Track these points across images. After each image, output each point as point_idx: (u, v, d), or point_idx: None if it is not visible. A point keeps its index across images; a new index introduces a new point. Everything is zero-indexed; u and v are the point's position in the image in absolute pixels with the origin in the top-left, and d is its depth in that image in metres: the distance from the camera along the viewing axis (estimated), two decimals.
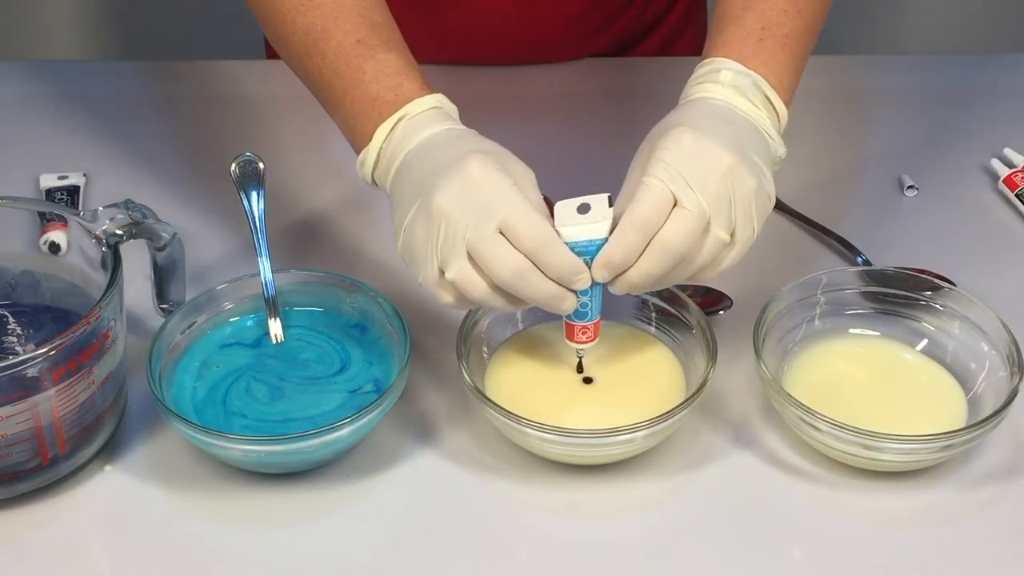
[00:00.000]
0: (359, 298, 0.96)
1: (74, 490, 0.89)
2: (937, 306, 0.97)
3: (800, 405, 0.88)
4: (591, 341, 0.89)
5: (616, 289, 0.85)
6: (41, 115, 1.27)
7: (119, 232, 0.89)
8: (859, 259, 1.07)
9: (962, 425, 0.90)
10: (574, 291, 0.84)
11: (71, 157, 1.20)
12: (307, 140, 1.24)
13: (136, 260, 0.94)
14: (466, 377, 0.89)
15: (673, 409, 0.86)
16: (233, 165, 0.98)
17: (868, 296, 0.99)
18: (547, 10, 1.26)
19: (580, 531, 0.87)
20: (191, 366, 0.93)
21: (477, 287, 0.83)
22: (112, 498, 0.88)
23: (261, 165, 0.98)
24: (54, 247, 0.97)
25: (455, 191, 0.83)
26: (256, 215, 0.97)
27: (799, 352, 0.96)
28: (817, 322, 0.98)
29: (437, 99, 0.90)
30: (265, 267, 0.96)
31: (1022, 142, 1.20)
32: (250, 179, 0.98)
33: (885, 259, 1.08)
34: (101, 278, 0.89)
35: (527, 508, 0.88)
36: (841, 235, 1.10)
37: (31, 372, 0.81)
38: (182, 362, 0.93)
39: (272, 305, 0.96)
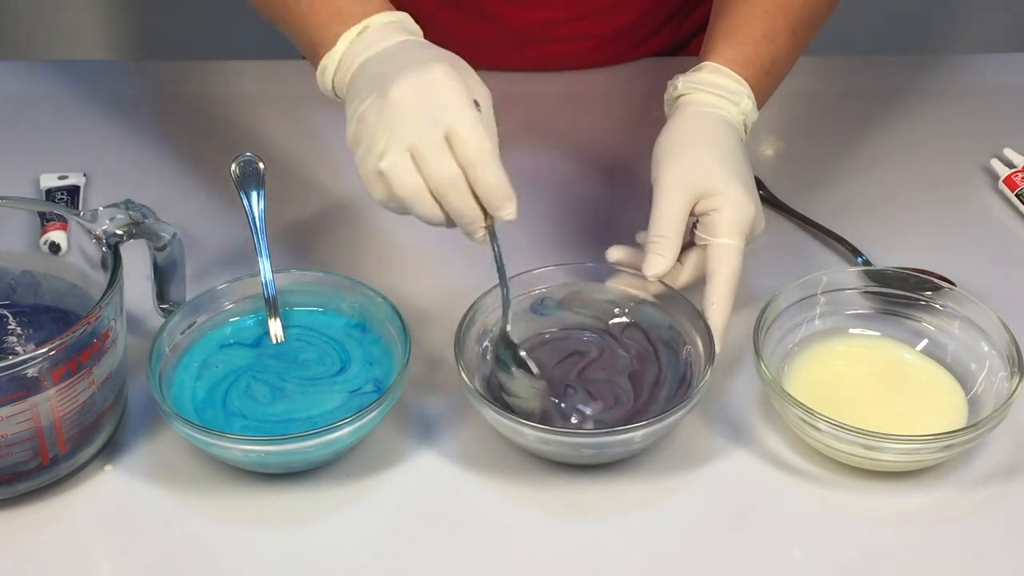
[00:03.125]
0: (359, 298, 0.96)
1: (74, 490, 0.89)
2: (937, 306, 0.97)
3: (800, 405, 0.88)
4: None
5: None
6: (41, 115, 1.27)
7: (119, 232, 0.89)
8: (859, 259, 1.07)
9: (962, 425, 0.90)
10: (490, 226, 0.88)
11: (71, 157, 1.20)
12: (307, 140, 1.24)
13: (136, 260, 0.94)
14: (465, 377, 0.89)
15: (672, 409, 0.86)
16: (233, 165, 0.98)
17: (868, 296, 0.99)
18: (587, 27, 1.27)
19: (580, 531, 0.87)
20: (191, 366, 0.93)
21: (408, 185, 0.86)
22: (112, 498, 0.88)
23: (261, 165, 0.98)
24: (54, 247, 0.97)
25: (413, 87, 0.86)
26: (256, 215, 0.97)
27: (799, 352, 0.96)
28: (817, 322, 0.98)
29: (401, 16, 0.94)
30: (265, 267, 0.96)
31: (1022, 142, 1.20)
32: (250, 179, 0.98)
33: (885, 259, 1.08)
34: (101, 278, 0.89)
35: (527, 508, 0.88)
36: (841, 235, 1.10)
37: (31, 372, 0.81)
38: (182, 362, 0.93)
39: (272, 305, 0.96)
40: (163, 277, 0.96)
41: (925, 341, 0.97)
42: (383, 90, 0.87)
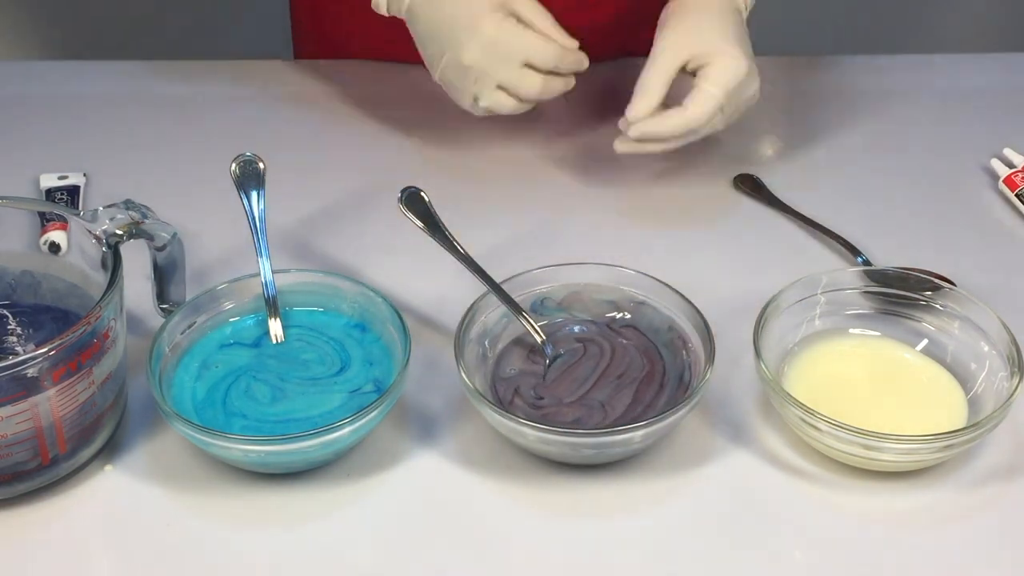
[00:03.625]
0: (359, 298, 0.96)
1: (74, 490, 0.89)
2: (937, 306, 0.97)
3: (800, 405, 0.88)
4: None
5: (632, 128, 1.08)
6: (41, 115, 1.27)
7: (119, 232, 0.89)
8: (859, 259, 1.07)
9: (962, 425, 0.90)
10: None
11: (71, 157, 1.20)
12: (307, 140, 1.24)
13: (136, 260, 0.94)
14: (465, 377, 0.89)
15: (672, 409, 0.86)
16: (233, 165, 0.98)
17: (868, 296, 0.99)
18: (586, 17, 1.27)
19: (580, 531, 0.87)
20: (191, 366, 0.93)
21: (507, 105, 1.10)
22: (112, 498, 0.88)
23: (261, 165, 0.98)
24: (54, 247, 0.97)
25: (478, 50, 1.07)
26: (256, 215, 0.97)
27: (799, 352, 0.96)
28: (817, 322, 0.98)
29: None
30: (265, 267, 0.96)
31: (1022, 142, 1.20)
32: (250, 179, 0.98)
33: (885, 259, 1.08)
34: (101, 278, 0.89)
35: (527, 508, 0.88)
36: (841, 235, 1.10)
37: (31, 372, 0.81)
38: (182, 362, 0.93)
39: (272, 305, 0.96)
40: (163, 277, 0.96)
41: (925, 341, 0.97)
42: (453, 55, 1.08)
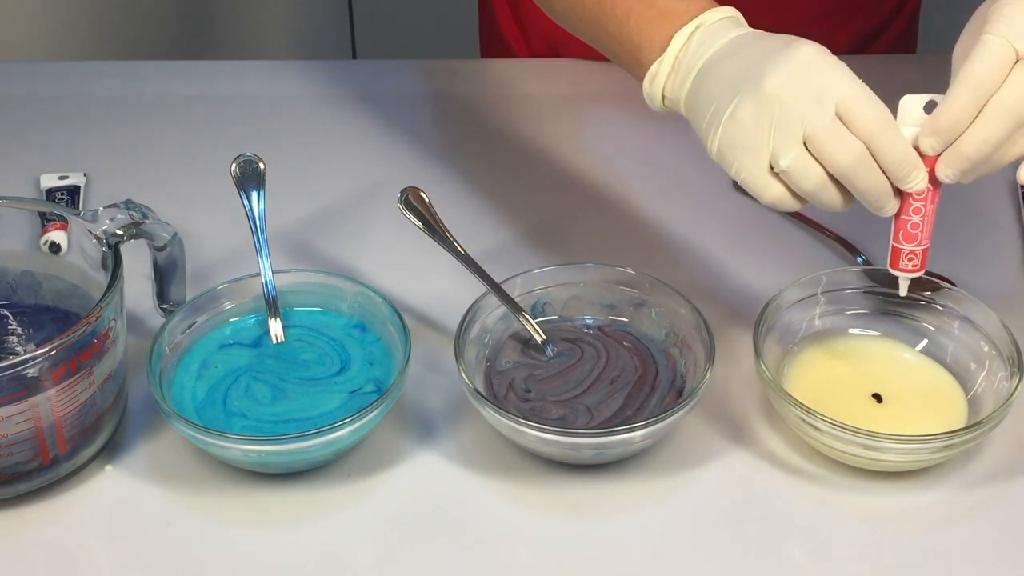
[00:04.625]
0: (359, 298, 0.97)
1: (74, 490, 0.89)
2: (937, 306, 0.97)
3: (800, 405, 0.88)
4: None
5: (948, 168, 0.81)
6: (41, 115, 1.27)
7: (119, 232, 0.89)
8: (859, 259, 1.07)
9: (962, 425, 0.90)
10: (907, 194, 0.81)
11: (71, 157, 1.20)
12: (307, 140, 1.24)
13: (136, 260, 0.95)
14: (465, 377, 0.89)
15: (672, 409, 0.86)
16: (233, 165, 0.98)
17: (868, 296, 0.99)
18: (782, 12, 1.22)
19: (580, 531, 0.87)
20: (191, 366, 0.94)
21: (812, 177, 0.80)
22: (112, 498, 0.88)
23: (261, 165, 0.98)
24: (55, 247, 0.97)
25: (789, 75, 0.79)
26: (256, 215, 0.97)
27: (799, 352, 0.96)
28: (817, 322, 0.98)
29: (730, 10, 0.87)
30: (265, 267, 0.96)
31: None
32: (250, 179, 0.98)
33: (885, 259, 1.07)
34: (101, 278, 0.89)
35: (527, 508, 0.88)
36: (841, 235, 1.10)
37: (31, 372, 0.81)
38: (182, 362, 0.93)
39: (272, 305, 0.96)
40: (163, 277, 0.96)
41: (925, 341, 0.97)
42: (753, 87, 0.80)
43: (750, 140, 0.80)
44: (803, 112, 0.79)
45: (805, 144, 0.79)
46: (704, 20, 0.86)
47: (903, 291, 0.89)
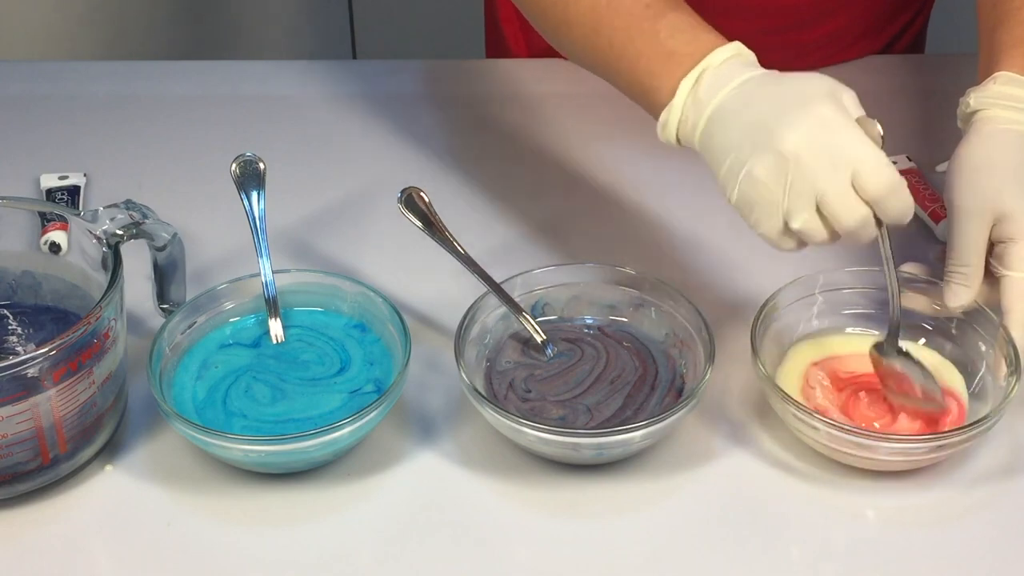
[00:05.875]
0: (359, 298, 0.97)
1: (74, 490, 0.89)
2: (935, 306, 0.97)
3: (797, 404, 0.88)
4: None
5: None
6: (41, 115, 1.27)
7: (119, 232, 0.90)
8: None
9: (959, 425, 0.90)
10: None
11: (71, 157, 1.20)
12: (307, 140, 1.24)
13: (136, 260, 0.95)
14: (465, 377, 0.89)
15: (672, 409, 0.86)
16: (233, 165, 0.98)
17: (866, 295, 0.99)
18: (782, 39, 1.23)
19: (580, 531, 0.87)
20: (191, 366, 0.94)
21: (821, 235, 0.83)
22: (112, 498, 0.88)
23: (261, 165, 0.98)
24: (55, 247, 0.97)
25: (806, 135, 0.82)
26: (256, 215, 0.97)
27: (797, 351, 0.96)
28: (815, 321, 0.98)
29: (735, 47, 0.88)
30: (265, 267, 0.96)
31: None
32: (250, 179, 0.98)
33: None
34: (102, 278, 0.89)
35: (527, 508, 0.88)
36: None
37: (31, 372, 0.81)
38: (182, 362, 0.94)
39: (272, 305, 0.96)
40: (163, 277, 0.96)
41: (923, 341, 0.97)
42: (771, 143, 0.82)
43: (766, 201, 0.83)
44: (817, 177, 0.82)
45: (820, 206, 0.82)
46: (710, 62, 0.86)
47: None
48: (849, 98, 0.85)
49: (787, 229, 0.84)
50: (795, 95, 0.83)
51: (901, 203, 0.83)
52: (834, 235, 0.84)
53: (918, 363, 0.90)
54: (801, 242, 0.85)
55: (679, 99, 0.87)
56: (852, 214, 0.82)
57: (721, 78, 0.86)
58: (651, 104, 0.89)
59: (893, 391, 0.91)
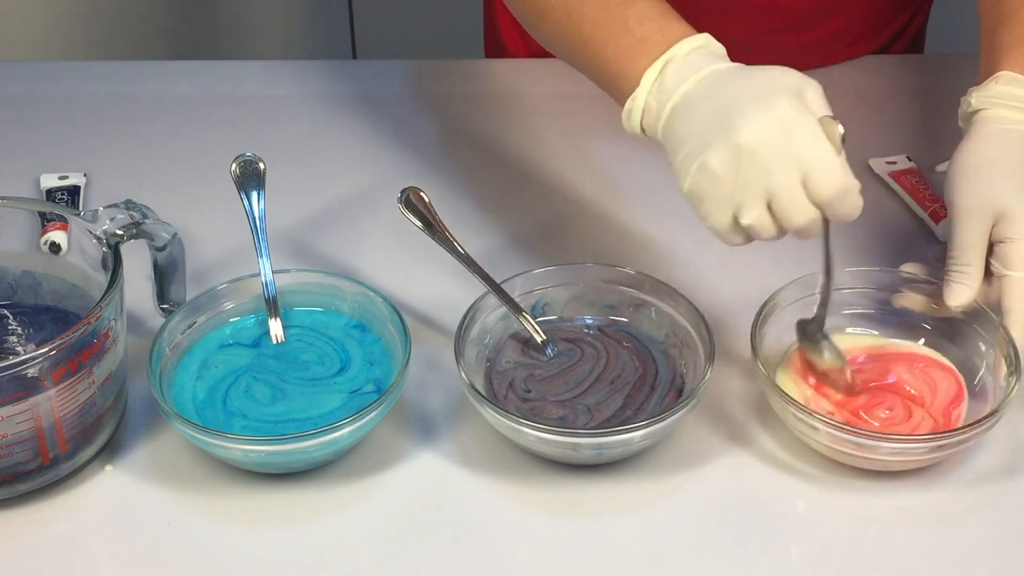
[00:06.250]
0: (359, 298, 0.97)
1: (74, 490, 0.89)
2: (934, 306, 0.97)
3: (797, 404, 0.88)
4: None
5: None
6: (41, 115, 1.27)
7: (119, 232, 0.90)
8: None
9: (960, 425, 0.90)
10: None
11: (71, 157, 1.20)
12: (307, 140, 1.24)
13: (136, 260, 0.95)
14: (465, 377, 0.89)
15: (672, 409, 0.86)
16: (233, 165, 0.98)
17: (865, 295, 0.99)
18: (783, 38, 1.24)
19: (580, 531, 0.87)
20: (191, 366, 0.94)
21: (770, 232, 0.84)
22: (112, 498, 0.88)
23: (261, 165, 0.98)
24: (55, 247, 0.97)
25: (763, 130, 0.81)
26: (256, 215, 0.97)
27: (796, 351, 0.96)
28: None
29: (704, 38, 0.87)
30: (265, 267, 0.96)
31: None
32: (250, 179, 0.98)
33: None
34: (102, 278, 0.89)
35: (527, 508, 0.88)
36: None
37: (31, 372, 0.81)
38: (182, 362, 0.94)
39: (272, 305, 0.96)
40: (163, 277, 0.96)
41: (922, 341, 0.97)
42: (728, 136, 0.81)
43: (717, 193, 0.83)
44: (769, 173, 0.81)
45: (770, 204, 0.82)
46: (676, 52, 0.86)
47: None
48: (814, 95, 0.84)
49: (736, 224, 0.84)
50: (758, 89, 0.83)
51: (850, 206, 0.83)
52: (782, 232, 0.84)
53: (832, 343, 0.92)
54: (749, 237, 0.85)
55: (643, 87, 0.86)
56: (800, 215, 0.82)
57: (687, 68, 0.85)
58: (618, 92, 0.89)
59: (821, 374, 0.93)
